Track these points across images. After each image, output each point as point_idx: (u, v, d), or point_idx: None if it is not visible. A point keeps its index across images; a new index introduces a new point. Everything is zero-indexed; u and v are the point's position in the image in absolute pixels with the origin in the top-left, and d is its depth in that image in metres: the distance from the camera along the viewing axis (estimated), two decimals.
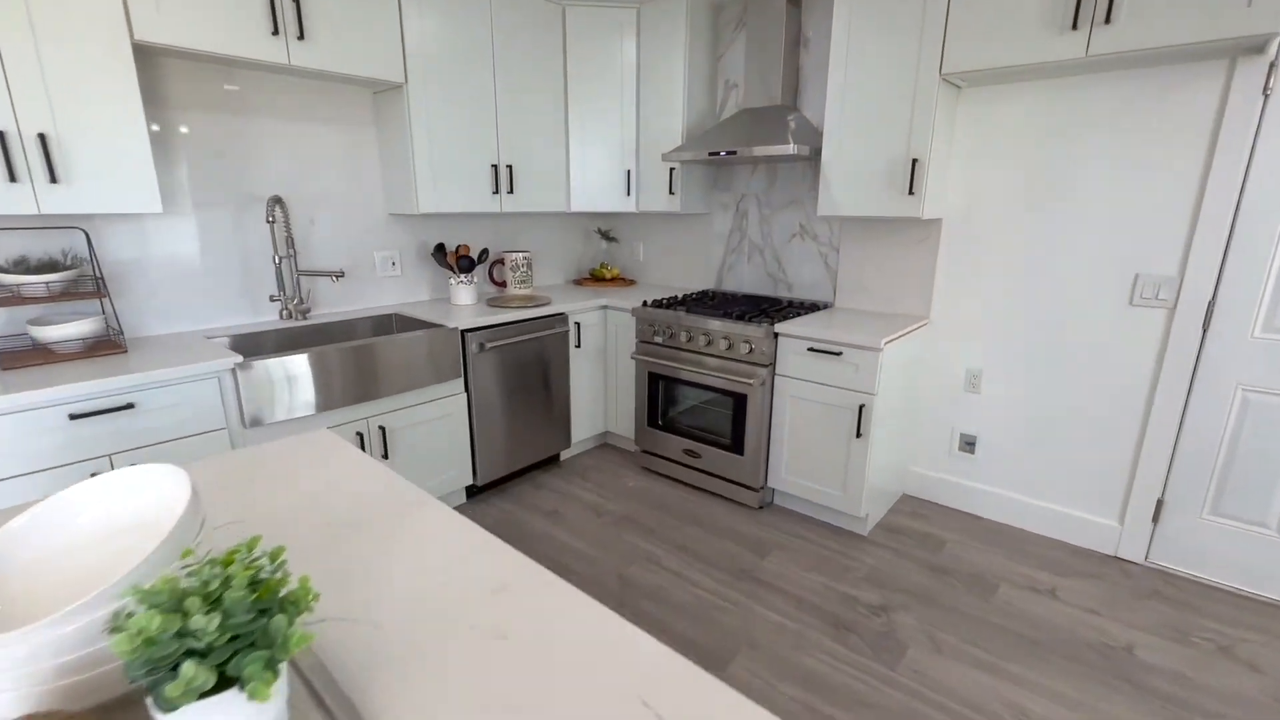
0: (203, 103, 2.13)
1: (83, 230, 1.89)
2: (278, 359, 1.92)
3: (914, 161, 2.21)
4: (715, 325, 2.54)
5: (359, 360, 2.11)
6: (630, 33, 2.92)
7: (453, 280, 2.77)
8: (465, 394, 2.51)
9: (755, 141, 2.46)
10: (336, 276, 2.42)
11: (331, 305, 2.59)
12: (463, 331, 2.45)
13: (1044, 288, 2.28)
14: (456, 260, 2.78)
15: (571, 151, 3.05)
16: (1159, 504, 2.18)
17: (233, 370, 1.85)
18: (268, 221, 2.19)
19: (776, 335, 2.42)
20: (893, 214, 2.30)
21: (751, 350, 2.46)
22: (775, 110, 2.65)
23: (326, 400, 2.05)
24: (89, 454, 1.63)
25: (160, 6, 1.77)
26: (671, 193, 2.97)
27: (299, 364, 1.97)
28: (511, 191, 2.83)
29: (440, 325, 2.39)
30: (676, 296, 2.96)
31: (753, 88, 2.75)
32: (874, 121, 2.29)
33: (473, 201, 2.68)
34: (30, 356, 1.74)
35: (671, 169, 2.96)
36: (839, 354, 2.27)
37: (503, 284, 3.17)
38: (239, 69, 2.18)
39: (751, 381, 2.45)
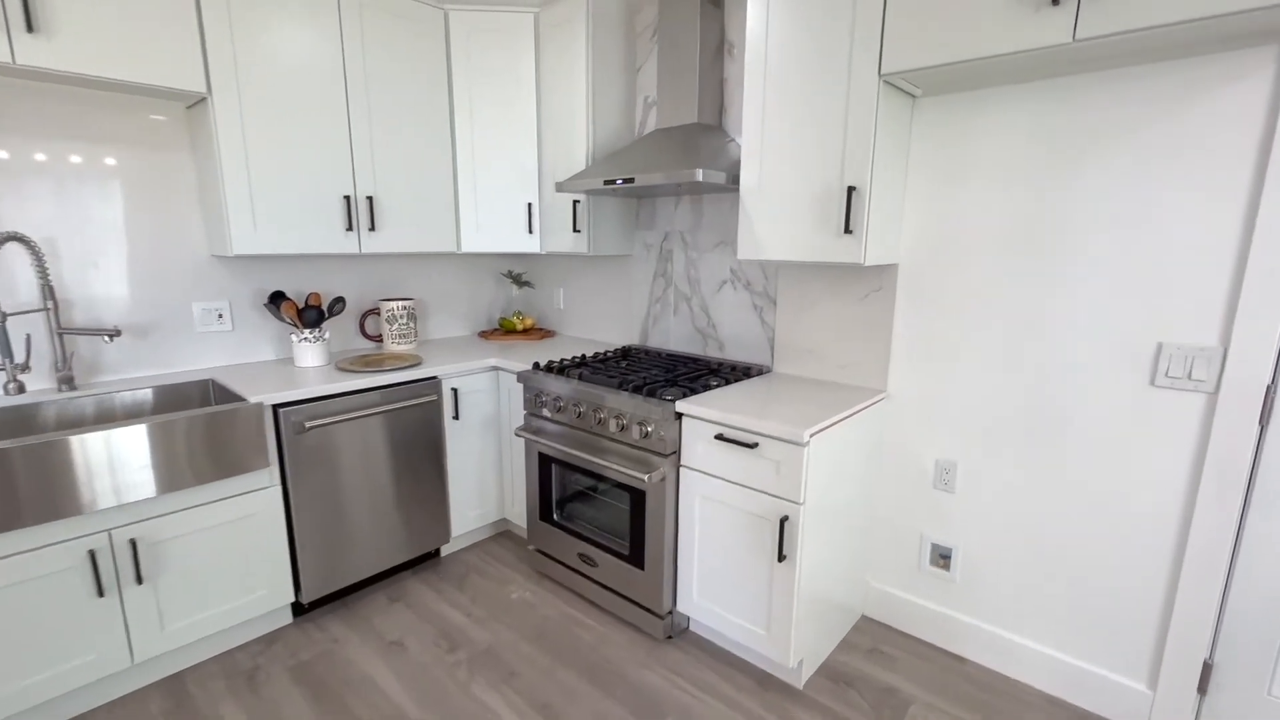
0: None
1: None
2: None
3: (850, 191, 1.65)
4: (610, 399, 1.96)
5: (89, 453, 1.54)
6: (528, 42, 2.43)
7: (294, 337, 2.22)
8: (280, 487, 1.93)
9: (660, 167, 1.93)
10: (110, 336, 1.88)
11: (125, 370, 2.04)
12: (276, 407, 1.88)
13: (1035, 358, 1.69)
14: (298, 313, 2.24)
15: (461, 182, 2.54)
16: (1206, 669, 1.54)
17: None
18: None
19: (679, 415, 1.84)
20: (826, 258, 1.74)
21: (649, 434, 1.87)
22: (690, 130, 2.13)
23: (30, 512, 1.48)
24: None
25: None
26: (576, 230, 2.44)
27: None
28: (374, 229, 2.30)
29: (242, 399, 1.83)
30: (581, 357, 2.39)
31: (668, 104, 2.24)
32: (801, 140, 1.75)
33: (315, 241, 2.15)
34: None
35: (575, 202, 2.43)
36: (754, 445, 1.68)
37: (378, 338, 2.62)
38: None
39: (647, 476, 1.85)
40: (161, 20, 1.76)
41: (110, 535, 1.62)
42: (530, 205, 2.54)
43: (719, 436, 1.74)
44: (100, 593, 1.61)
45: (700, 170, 1.81)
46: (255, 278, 2.29)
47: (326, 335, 2.29)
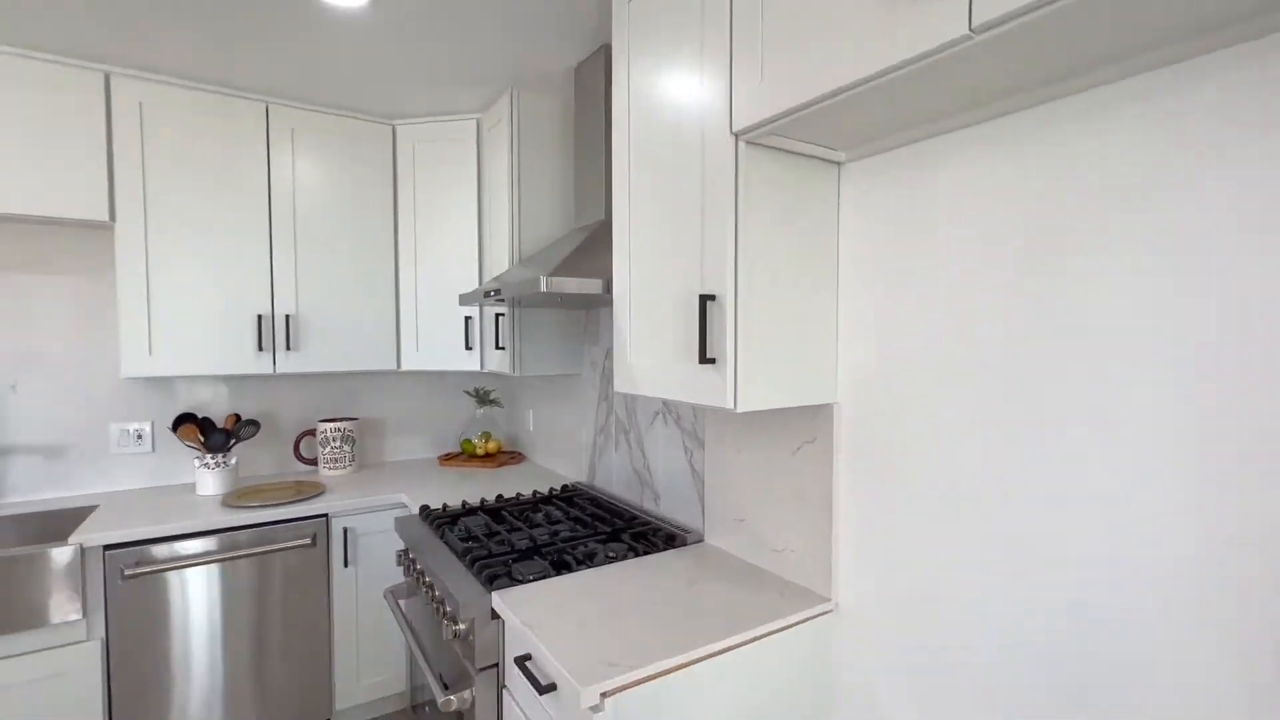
0: None
1: None
2: None
3: (704, 301, 1.10)
4: (448, 573, 1.48)
5: None
6: (470, 149, 2.26)
7: (196, 462, 2.09)
8: (100, 642, 1.69)
9: (551, 272, 1.53)
10: None
11: (28, 492, 2.02)
12: (105, 548, 1.69)
13: (1042, 563, 0.92)
14: (201, 436, 2.11)
15: (403, 296, 2.35)
16: None
17: None
18: None
19: (494, 615, 1.30)
20: (686, 397, 1.17)
21: (463, 634, 1.34)
22: (599, 229, 1.72)
23: None
24: None
25: None
26: (499, 347, 2.09)
27: None
28: (291, 348, 2.16)
29: (57, 542, 1.66)
30: (498, 498, 1.96)
31: (581, 200, 1.87)
32: (662, 232, 1.25)
33: (221, 363, 2.04)
34: None
35: (498, 316, 2.10)
36: (549, 688, 1.08)
37: (313, 462, 2.43)
38: None
39: (451, 696, 1.31)
40: (69, 156, 1.82)
41: None
42: (468, 320, 2.26)
43: (520, 660, 1.17)
44: None
45: (543, 279, 1.38)
46: (184, 397, 2.24)
47: (231, 461, 2.12)
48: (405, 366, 2.36)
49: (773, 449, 1.38)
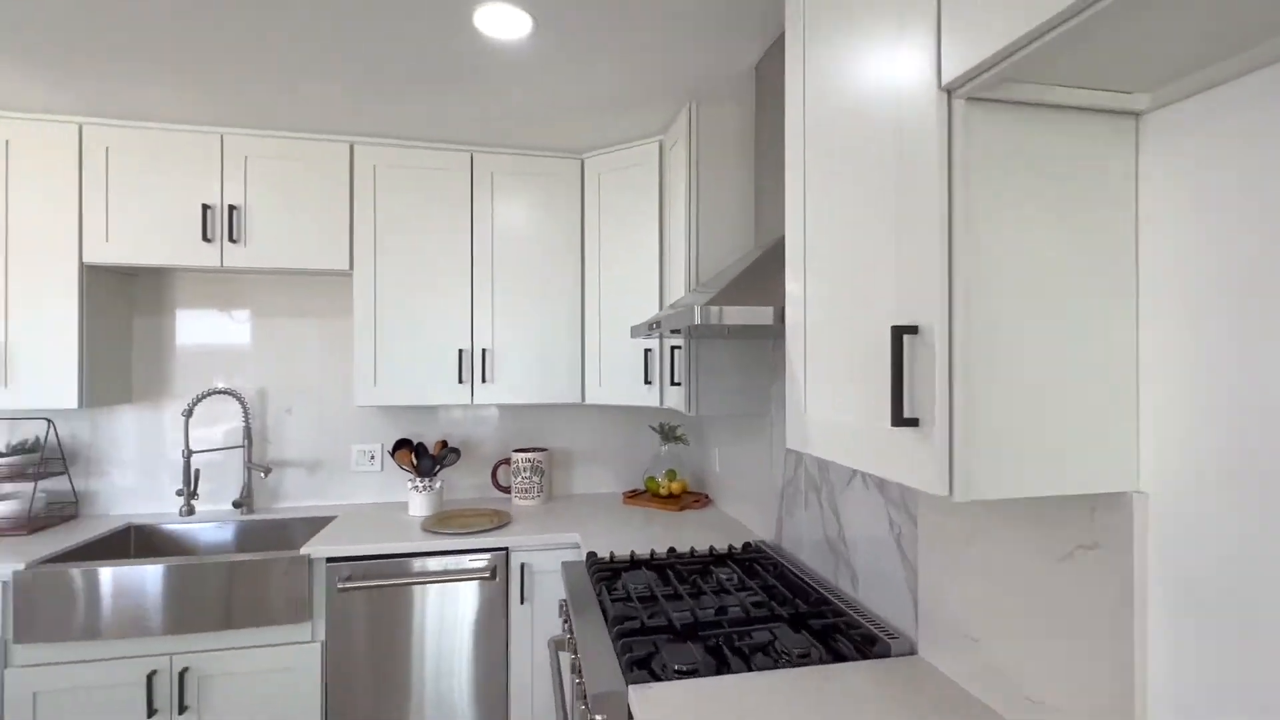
0: (195, 306, 2.34)
1: (47, 420, 2.18)
2: (53, 569, 1.73)
3: (899, 336, 0.76)
4: (587, 641, 1.31)
5: (172, 582, 1.77)
6: (652, 173, 2.15)
7: (408, 483, 2.28)
8: (320, 645, 1.89)
9: (713, 300, 1.32)
10: (265, 472, 2.23)
11: (297, 499, 2.40)
12: (328, 560, 1.89)
13: None
14: (413, 460, 2.30)
15: (588, 328, 2.33)
16: None
17: (14, 573, 1.74)
18: (182, 415, 2.17)
19: (630, 716, 1.08)
20: (880, 471, 0.82)
21: None
22: (775, 245, 1.44)
23: (115, 627, 1.74)
24: None
25: (109, 236, 2.01)
26: (675, 383, 1.91)
27: (75, 578, 1.75)
28: (485, 380, 2.26)
29: (292, 550, 1.89)
30: (670, 553, 1.77)
31: (764, 212, 1.61)
32: (845, 236, 0.94)
33: (428, 393, 2.22)
34: None
35: (674, 349, 1.92)
36: None
37: (508, 490, 2.51)
38: (219, 274, 2.35)
39: None
40: (322, 217, 2.15)
41: (170, 659, 1.80)
42: (647, 353, 2.13)
43: None
44: (150, 713, 1.77)
45: (697, 309, 1.15)
46: (405, 424, 2.49)
47: (436, 485, 2.27)
48: (589, 400, 2.32)
49: (1025, 548, 0.94)
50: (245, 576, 1.82)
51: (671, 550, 1.77)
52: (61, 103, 1.91)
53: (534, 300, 2.31)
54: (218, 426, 2.34)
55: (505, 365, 2.28)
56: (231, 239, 2.08)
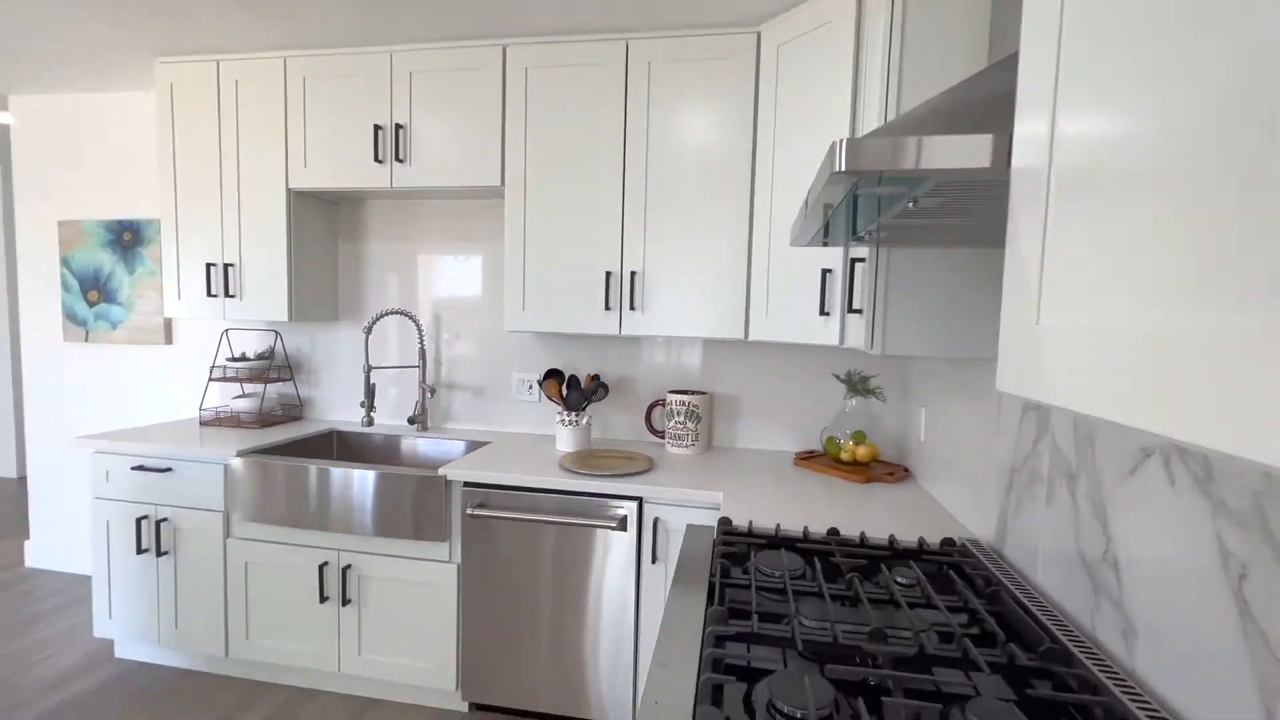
0: (383, 233, 2.46)
1: (275, 331, 2.49)
2: (258, 460, 1.95)
3: None
4: (671, 640, 0.97)
5: (345, 485, 1.89)
6: (846, 32, 1.59)
7: (557, 416, 2.15)
8: (456, 567, 1.87)
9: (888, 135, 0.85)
10: (431, 391, 2.29)
11: (464, 421, 2.46)
12: (464, 485, 1.85)
13: None
14: (562, 393, 2.15)
15: (755, 250, 1.89)
16: None
17: (225, 464, 2.00)
18: (363, 331, 2.29)
19: None
20: (1240, 448, 0.31)
21: None
22: (1007, 61, 0.86)
23: (299, 517, 1.93)
24: (135, 499, 2.08)
25: (307, 162, 2.17)
26: (853, 309, 1.40)
27: (266, 471, 1.94)
28: (634, 308, 1.98)
29: (430, 472, 1.88)
30: (809, 534, 1.33)
31: (1001, 26, 1.00)
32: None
33: (574, 320, 2.03)
34: (225, 421, 2.39)
35: (854, 262, 1.40)
36: None
37: (661, 435, 2.24)
38: (422, 199, 2.41)
39: None
40: (473, 132, 2.04)
41: (338, 555, 1.94)
42: (826, 274, 1.63)
43: None
44: (322, 599, 1.94)
45: (840, 148, 0.68)
46: (563, 355, 2.36)
47: (583, 421, 2.11)
48: (753, 335, 1.90)
49: None
50: (393, 489, 1.86)
51: (833, 532, 1.32)
52: (272, 38, 2.07)
53: (692, 215, 1.94)
54: (398, 346, 2.47)
55: (657, 292, 1.97)
56: (399, 159, 2.09)
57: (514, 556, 1.82)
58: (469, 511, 1.80)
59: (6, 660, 2.21)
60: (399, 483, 1.85)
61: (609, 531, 1.76)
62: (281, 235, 2.21)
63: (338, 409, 2.55)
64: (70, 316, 2.79)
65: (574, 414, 2.11)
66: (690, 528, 1.41)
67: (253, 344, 2.58)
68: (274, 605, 2.00)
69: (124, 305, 2.72)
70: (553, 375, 2.21)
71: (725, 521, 1.38)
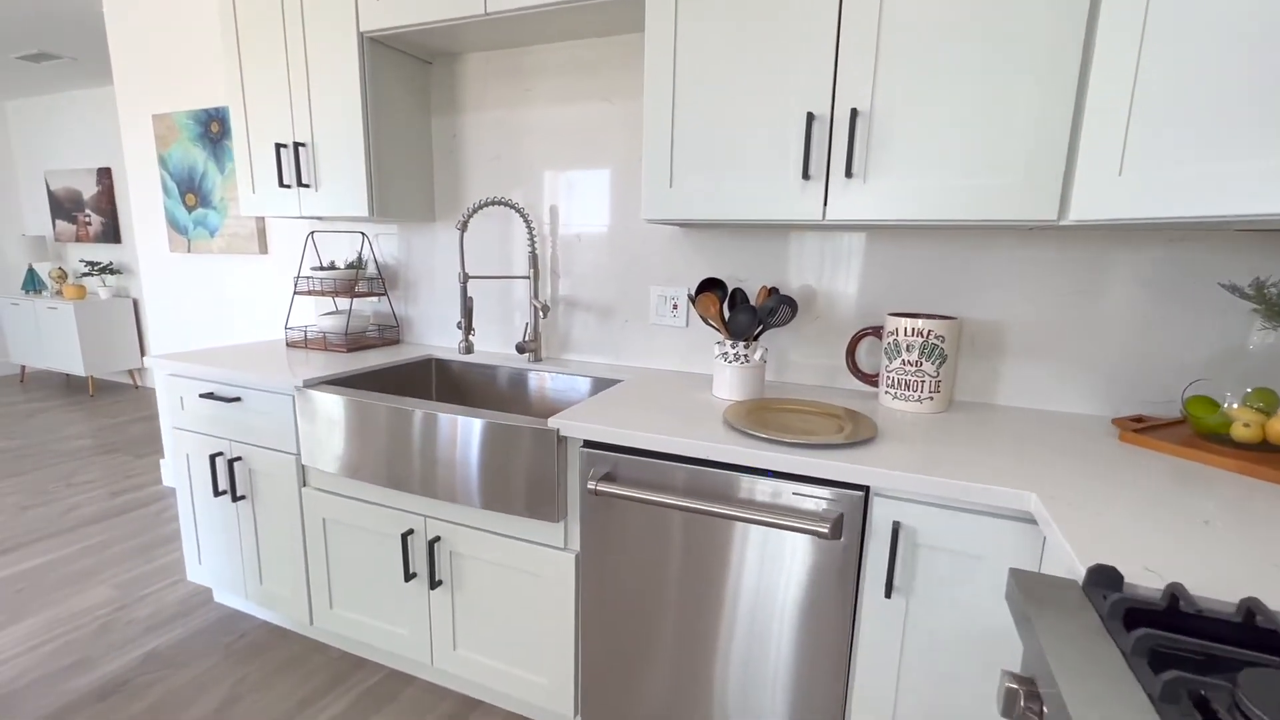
0: (484, 100, 1.85)
1: (361, 233, 2.01)
2: (328, 394, 1.49)
3: None
4: None
5: (421, 432, 1.39)
6: None
7: (715, 348, 1.47)
8: (574, 557, 1.31)
9: None
10: (543, 311, 1.70)
11: (584, 351, 1.86)
12: (584, 445, 1.25)
13: None
14: (723, 314, 1.46)
15: (1096, 69, 1.01)
16: None
17: (292, 397, 1.57)
18: (456, 229, 1.71)
19: None
20: None
21: None
22: None
23: (369, 470, 1.46)
24: (208, 431, 1.73)
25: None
26: None
27: (337, 408, 1.48)
28: (852, 174, 1.21)
29: (536, 423, 1.30)
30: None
31: None
32: None
33: (746, 200, 1.30)
34: (313, 343, 2.00)
35: None
36: None
37: (873, 380, 1.49)
38: (520, 56, 1.76)
39: None
40: None
41: (424, 522, 1.46)
42: None
43: None
44: (408, 576, 1.49)
45: None
46: (725, 260, 1.65)
47: (756, 355, 1.41)
48: (1081, 216, 1.06)
49: None
50: (482, 444, 1.31)
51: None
52: None
53: (964, 21, 1.08)
54: (502, 250, 1.90)
55: (891, 144, 1.17)
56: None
57: (655, 555, 1.22)
58: (591, 486, 1.20)
59: (118, 589, 2.07)
60: (490, 436, 1.30)
61: (811, 539, 1.08)
62: (356, 100, 1.67)
63: (438, 331, 2.07)
64: (172, 224, 2.55)
65: (741, 345, 1.41)
66: (1017, 578, 0.69)
67: (344, 250, 2.15)
68: (358, 574, 1.60)
69: (218, 209, 2.41)
70: (710, 288, 1.52)
71: (1099, 572, 0.64)
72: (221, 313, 2.54)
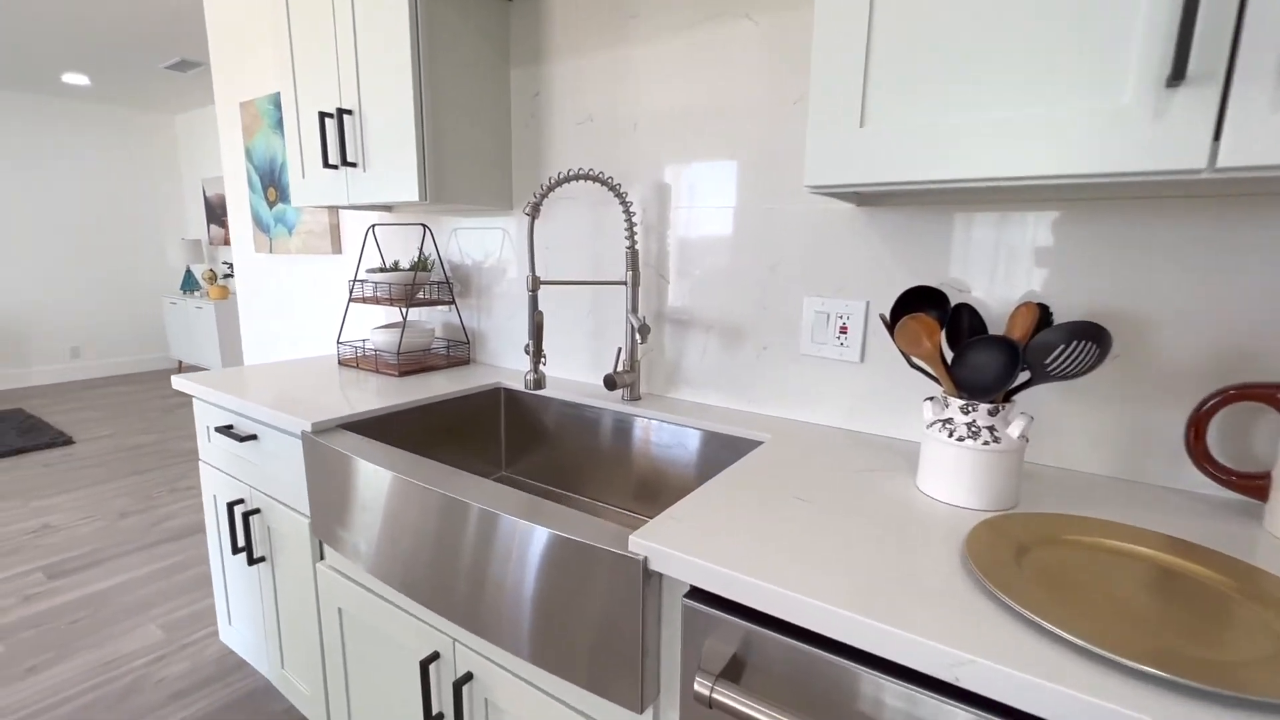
0: (570, 45, 1.35)
1: (423, 225, 1.60)
2: (336, 445, 1.06)
3: None
4: None
5: (446, 525, 0.91)
6: None
7: (927, 410, 0.85)
8: None
9: None
10: (641, 333, 1.16)
11: (694, 385, 1.30)
12: (688, 595, 0.69)
13: None
14: (940, 347, 0.83)
15: None
16: None
17: (302, 435, 1.15)
18: (525, 214, 1.21)
19: None
20: None
21: None
22: None
23: (381, 564, 1.01)
24: (231, 471, 1.39)
25: None
26: None
27: (342, 467, 1.04)
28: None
29: (617, 543, 0.76)
30: None
31: None
32: None
33: (1031, 135, 0.66)
34: (364, 362, 1.63)
35: None
36: None
37: (1244, 481, 0.78)
38: None
39: None
40: None
41: (455, 648, 0.98)
42: None
43: None
44: (426, 713, 1.02)
45: None
46: (945, 255, 1.01)
47: (1015, 430, 0.77)
48: None
49: None
50: (541, 568, 0.79)
51: None
52: None
53: None
54: (592, 244, 1.39)
55: None
56: None
57: None
58: (702, 690, 0.64)
59: (165, 632, 1.84)
60: (536, 551, 0.78)
61: None
62: (404, 48, 1.25)
63: (515, 350, 1.62)
64: (256, 221, 2.35)
65: (984, 409, 0.78)
66: None
67: (411, 248, 1.77)
68: (378, 690, 1.17)
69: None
70: (916, 303, 0.89)
71: None
72: (296, 320, 2.30)
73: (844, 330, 1.11)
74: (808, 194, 1.11)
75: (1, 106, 4.69)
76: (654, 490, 1.27)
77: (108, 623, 1.88)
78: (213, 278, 5.18)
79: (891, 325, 0.88)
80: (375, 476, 0.99)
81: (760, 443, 1.08)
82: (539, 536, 0.78)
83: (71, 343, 5.28)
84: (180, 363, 5.54)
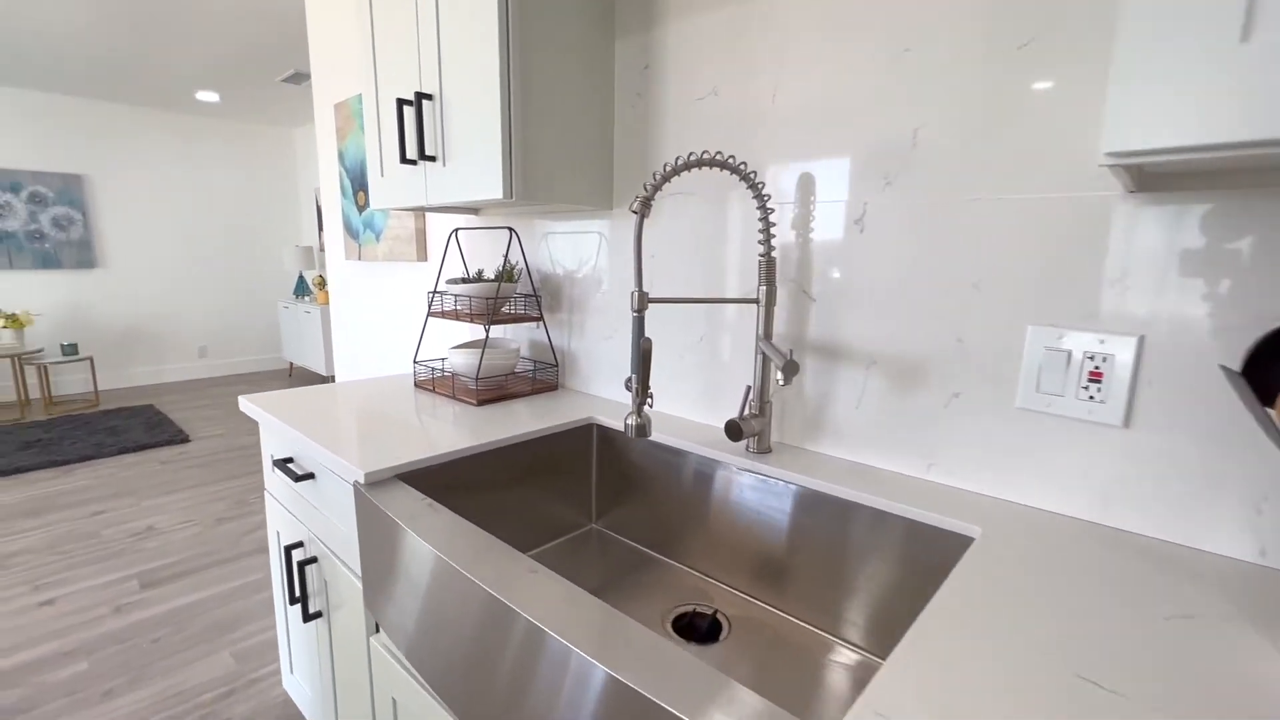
0: (687, 3, 1.07)
1: (509, 228, 1.37)
2: (387, 503, 0.83)
3: None
4: None
5: (496, 641, 0.66)
6: None
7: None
8: None
9: None
10: (783, 372, 0.85)
11: (848, 445, 0.97)
12: None
13: None
14: None
15: None
16: None
17: (353, 487, 0.94)
18: (632, 211, 0.93)
19: None
20: None
21: None
22: None
23: (431, 664, 0.77)
24: (293, 509, 1.22)
25: None
26: None
27: (391, 536, 0.80)
28: None
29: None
30: None
31: None
32: None
33: None
34: (441, 385, 1.43)
35: None
36: None
37: None
38: None
39: None
40: None
41: None
42: None
43: None
44: None
45: None
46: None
47: None
48: None
49: None
50: None
51: None
52: None
53: None
54: (710, 252, 1.10)
55: None
56: None
57: None
58: None
59: (238, 661, 1.74)
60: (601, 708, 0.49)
61: None
62: (491, 21, 1.02)
63: (610, 375, 1.36)
64: (346, 227, 2.26)
65: None
66: None
67: (497, 255, 1.56)
68: None
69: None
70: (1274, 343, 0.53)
71: None
72: (382, 332, 2.18)
73: (1096, 377, 0.75)
74: (1036, 178, 0.76)
75: (141, 123, 5.11)
76: (780, 572, 0.96)
77: (186, 645, 1.81)
78: (321, 283, 5.39)
79: (1257, 385, 0.52)
80: (420, 549, 0.75)
81: (968, 539, 0.75)
82: (597, 680, 0.49)
83: (200, 343, 5.67)
84: (291, 364, 5.81)
